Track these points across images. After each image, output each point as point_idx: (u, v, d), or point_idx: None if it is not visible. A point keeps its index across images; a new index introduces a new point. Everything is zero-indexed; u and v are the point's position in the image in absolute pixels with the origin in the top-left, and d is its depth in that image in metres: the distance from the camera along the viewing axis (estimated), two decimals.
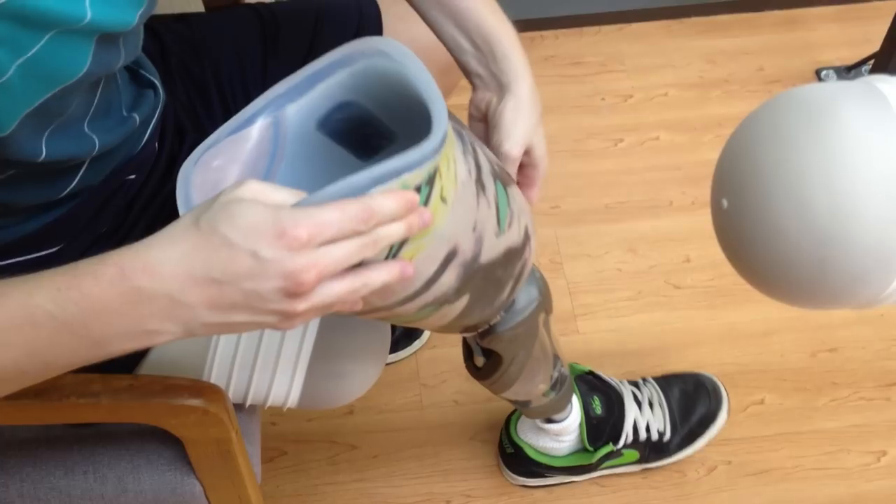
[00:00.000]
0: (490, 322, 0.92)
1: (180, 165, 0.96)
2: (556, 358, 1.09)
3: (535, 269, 0.94)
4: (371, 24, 1.08)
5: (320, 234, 0.57)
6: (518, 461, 1.33)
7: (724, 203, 0.70)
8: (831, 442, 1.40)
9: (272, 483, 1.36)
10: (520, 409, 1.19)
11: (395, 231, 0.60)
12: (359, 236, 0.59)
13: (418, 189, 0.62)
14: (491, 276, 0.78)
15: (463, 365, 1.46)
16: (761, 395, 1.45)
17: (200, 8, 1.20)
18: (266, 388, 0.91)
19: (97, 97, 0.82)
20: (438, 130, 0.62)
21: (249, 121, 0.70)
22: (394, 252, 0.63)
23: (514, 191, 0.79)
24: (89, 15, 0.66)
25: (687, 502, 1.35)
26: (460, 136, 0.68)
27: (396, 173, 0.60)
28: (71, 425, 0.92)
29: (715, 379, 1.38)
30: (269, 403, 0.93)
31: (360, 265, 0.61)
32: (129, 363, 0.89)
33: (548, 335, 1.01)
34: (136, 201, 0.93)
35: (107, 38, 0.74)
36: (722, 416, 1.36)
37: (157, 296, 0.58)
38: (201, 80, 1.04)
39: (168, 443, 0.91)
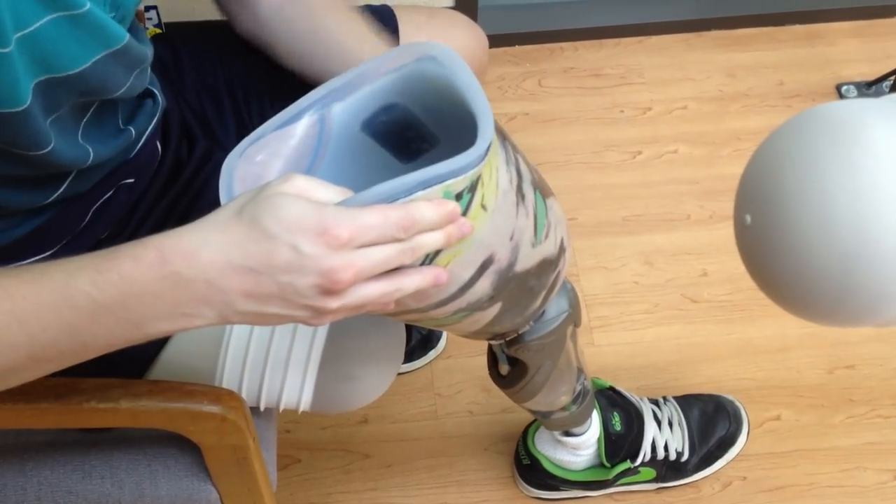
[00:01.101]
0: (519, 331, 0.92)
1: (188, 171, 0.98)
2: (580, 371, 1.08)
3: (567, 280, 0.94)
4: (387, 31, 1.08)
5: (361, 236, 0.58)
6: (534, 473, 1.33)
7: (748, 219, 0.70)
8: (847, 459, 1.39)
9: (286, 491, 1.36)
10: (540, 420, 1.19)
11: (433, 240, 0.61)
12: (398, 243, 0.60)
13: (460, 196, 0.62)
14: (524, 286, 0.78)
15: (478, 375, 1.47)
16: (778, 411, 1.44)
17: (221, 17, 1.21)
18: (278, 388, 0.91)
19: (92, 109, 0.83)
20: (484, 138, 0.62)
21: (296, 117, 0.70)
22: (431, 257, 0.64)
23: (553, 202, 0.80)
24: (88, 5, 0.68)
25: None
26: (503, 144, 0.68)
27: (441, 179, 0.61)
28: (89, 430, 0.92)
29: (736, 402, 1.38)
30: (282, 405, 0.93)
31: (395, 269, 0.62)
32: (141, 362, 0.89)
33: (574, 348, 1.01)
34: (138, 205, 0.94)
35: (116, 57, 0.75)
36: (741, 440, 1.35)
37: (195, 281, 0.59)
38: (214, 87, 1.05)
39: (185, 449, 0.91)
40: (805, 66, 1.87)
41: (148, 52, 0.84)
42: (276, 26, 0.96)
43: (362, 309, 0.63)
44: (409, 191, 0.60)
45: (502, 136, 0.68)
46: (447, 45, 0.68)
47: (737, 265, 1.67)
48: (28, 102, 0.69)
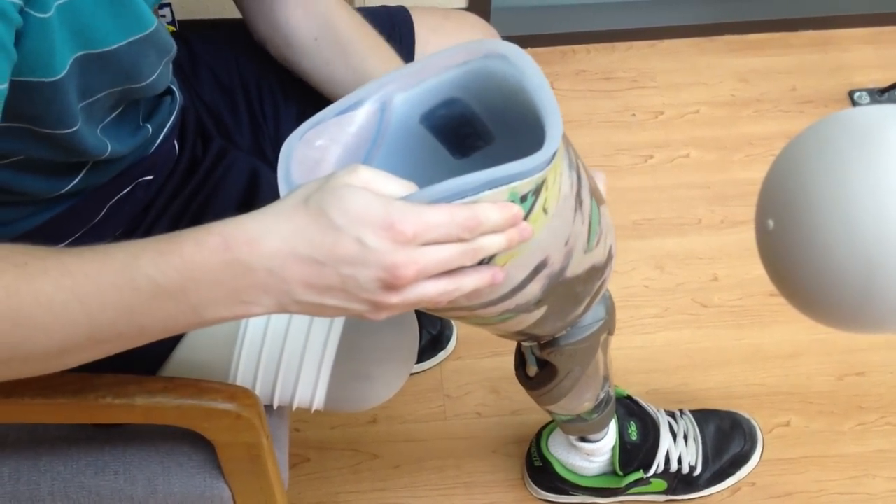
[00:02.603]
0: (556, 335, 0.92)
1: (202, 170, 0.98)
2: (606, 380, 1.09)
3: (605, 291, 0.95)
4: (404, 35, 1.08)
5: (426, 233, 0.58)
6: (544, 475, 1.33)
7: (770, 224, 0.70)
8: (856, 466, 1.39)
9: (294, 490, 1.36)
10: (558, 423, 1.19)
11: (495, 243, 0.61)
12: (461, 243, 0.60)
13: (525, 198, 0.62)
14: (571, 291, 0.78)
15: (487, 377, 1.47)
16: (787, 417, 1.44)
17: (235, 15, 1.21)
18: (292, 386, 0.91)
19: (119, 109, 0.83)
20: (553, 142, 0.62)
21: (357, 104, 0.70)
22: (489, 257, 0.64)
23: (605, 210, 0.80)
24: None
25: None
26: (567, 149, 0.68)
27: (508, 180, 0.60)
28: (103, 426, 0.92)
29: (752, 420, 1.38)
30: (295, 404, 0.93)
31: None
32: (156, 359, 0.89)
33: (604, 356, 1.01)
34: (153, 203, 0.94)
35: (148, 41, 0.76)
36: (755, 459, 1.35)
37: (256, 269, 0.59)
38: (229, 85, 1.05)
39: (198, 446, 0.91)
40: (818, 72, 1.87)
41: (173, 43, 0.85)
42: (309, 55, 0.97)
43: (419, 305, 0.63)
44: (476, 190, 0.60)
45: (566, 141, 0.68)
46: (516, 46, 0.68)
47: (747, 270, 1.67)
48: (63, 73, 0.70)
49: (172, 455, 0.91)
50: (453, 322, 1.51)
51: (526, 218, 0.63)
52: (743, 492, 1.36)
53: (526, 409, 1.44)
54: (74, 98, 0.75)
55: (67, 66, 0.70)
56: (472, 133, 0.73)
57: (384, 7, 1.11)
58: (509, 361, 1.48)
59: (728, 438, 1.35)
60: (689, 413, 1.35)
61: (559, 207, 0.66)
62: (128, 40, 0.75)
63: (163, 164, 0.95)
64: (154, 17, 0.77)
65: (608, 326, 0.96)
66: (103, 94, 0.79)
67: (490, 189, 0.60)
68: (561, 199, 0.67)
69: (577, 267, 0.75)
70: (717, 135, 1.78)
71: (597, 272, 0.81)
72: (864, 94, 1.82)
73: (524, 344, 1.00)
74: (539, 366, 1.00)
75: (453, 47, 0.70)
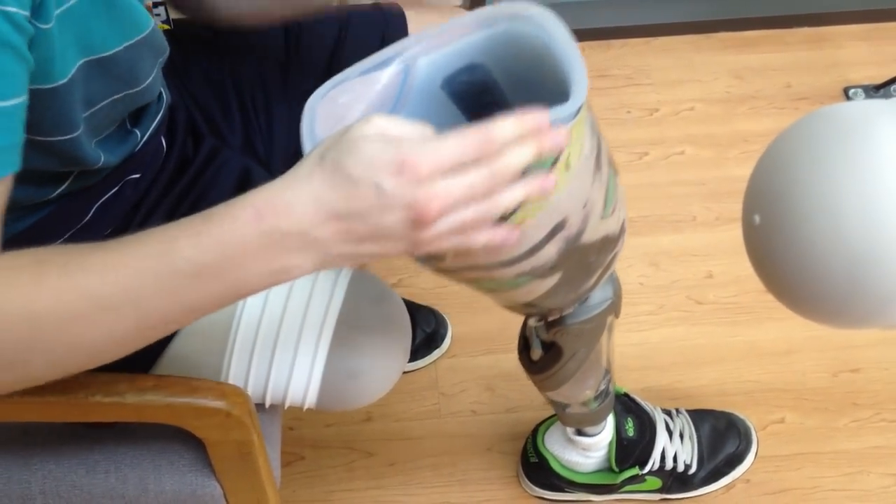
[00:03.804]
0: (563, 312, 0.92)
1: (193, 169, 0.98)
2: (608, 371, 1.09)
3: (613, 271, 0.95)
4: (397, 32, 1.08)
5: (441, 164, 0.58)
6: (540, 472, 1.33)
7: (756, 219, 0.70)
8: (851, 463, 1.39)
9: (289, 488, 1.36)
10: (558, 413, 1.19)
11: (521, 155, 0.60)
12: (482, 165, 0.59)
13: None
14: (585, 260, 0.79)
15: (482, 375, 1.47)
16: (782, 414, 1.44)
17: None
18: (284, 384, 0.91)
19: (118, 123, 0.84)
20: (580, 93, 0.63)
21: (383, 64, 0.71)
22: (509, 213, 0.64)
23: (619, 181, 0.80)
24: None
25: None
26: (588, 113, 0.69)
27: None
28: (94, 424, 0.92)
29: (747, 421, 1.38)
30: (288, 402, 0.93)
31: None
32: (148, 357, 0.89)
33: (608, 341, 1.02)
34: (143, 202, 0.94)
35: (144, 44, 0.76)
36: (749, 459, 1.36)
37: (291, 233, 0.60)
38: (221, 84, 1.05)
39: (190, 444, 0.91)
40: (813, 68, 1.87)
41: (166, 44, 0.85)
42: None
43: (457, 235, 0.62)
44: None
45: (588, 105, 0.69)
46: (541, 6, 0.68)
47: (742, 267, 1.66)
48: (65, 80, 0.70)
49: (164, 454, 0.91)
50: (447, 320, 1.51)
51: (551, 169, 0.64)
52: (737, 489, 1.36)
53: (521, 407, 1.44)
54: (78, 106, 0.75)
55: (72, 72, 0.71)
56: (490, 102, 0.74)
57: (378, 4, 1.11)
58: (504, 359, 1.50)
59: (723, 438, 1.35)
60: (685, 412, 1.36)
61: (580, 167, 0.67)
62: (126, 44, 0.75)
63: (150, 161, 0.95)
64: (150, 17, 0.77)
65: (615, 308, 0.97)
66: (106, 102, 0.79)
67: None
68: (582, 157, 0.67)
69: (592, 233, 0.76)
70: (712, 132, 1.78)
71: (610, 243, 0.81)
72: (860, 90, 1.81)
73: (530, 323, 1.01)
74: (544, 348, 1.00)
75: (479, 10, 0.70)
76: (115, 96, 0.80)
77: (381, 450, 1.41)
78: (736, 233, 1.63)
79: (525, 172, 0.63)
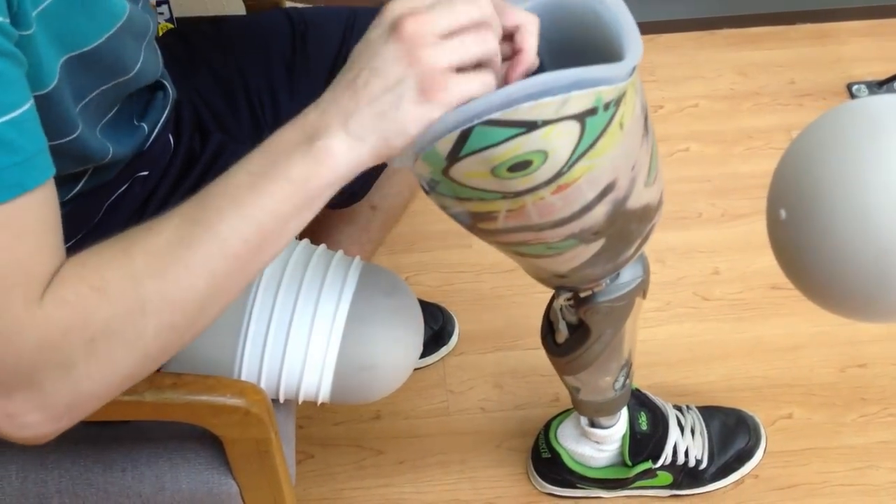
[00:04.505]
0: (597, 287, 0.93)
1: (200, 165, 0.98)
2: (628, 358, 1.10)
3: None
4: None
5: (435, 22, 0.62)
6: (552, 467, 1.33)
7: (783, 213, 0.70)
8: (859, 458, 1.39)
9: (299, 486, 1.36)
10: (575, 401, 1.19)
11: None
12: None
13: (608, 105, 0.64)
14: (626, 228, 0.80)
15: (490, 372, 1.47)
16: (790, 409, 1.44)
17: (234, 12, 1.21)
18: (297, 378, 0.91)
19: (115, 108, 0.83)
20: (635, 52, 0.64)
21: None
22: (570, 163, 0.66)
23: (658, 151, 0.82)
24: None
25: None
26: (637, 75, 0.69)
27: (595, 83, 0.62)
28: (111, 423, 0.92)
29: (756, 418, 1.39)
30: (301, 396, 0.93)
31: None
32: None
33: (633, 325, 1.03)
34: (151, 199, 0.94)
35: (125, 30, 0.76)
36: (758, 455, 1.36)
37: (314, 111, 0.65)
38: (228, 81, 1.05)
39: (206, 443, 0.91)
40: (816, 65, 1.87)
41: (151, 21, 0.85)
42: None
43: (460, 53, 0.63)
44: (565, 88, 0.62)
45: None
46: None
47: (748, 263, 1.67)
48: (55, 82, 0.70)
49: (180, 452, 0.91)
50: (454, 317, 1.51)
51: (605, 130, 0.65)
52: (746, 484, 1.37)
53: (529, 404, 1.44)
54: (70, 103, 0.75)
55: (57, 73, 0.70)
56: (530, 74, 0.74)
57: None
58: (512, 356, 1.50)
59: (733, 434, 1.35)
60: (695, 408, 1.36)
61: (632, 127, 0.68)
62: (105, 35, 0.75)
63: (159, 158, 0.95)
64: (124, 2, 0.77)
65: (644, 286, 0.98)
66: (96, 92, 0.79)
67: (578, 89, 0.62)
68: (634, 118, 0.68)
69: (636, 199, 0.77)
70: (717, 128, 1.78)
71: (650, 213, 0.82)
72: (863, 86, 1.82)
73: (557, 305, 1.01)
74: (570, 330, 1.01)
75: None
76: (105, 86, 0.80)
77: (390, 448, 1.41)
78: (742, 229, 1.66)
79: (581, 119, 0.64)
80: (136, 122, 0.90)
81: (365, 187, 1.13)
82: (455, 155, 0.66)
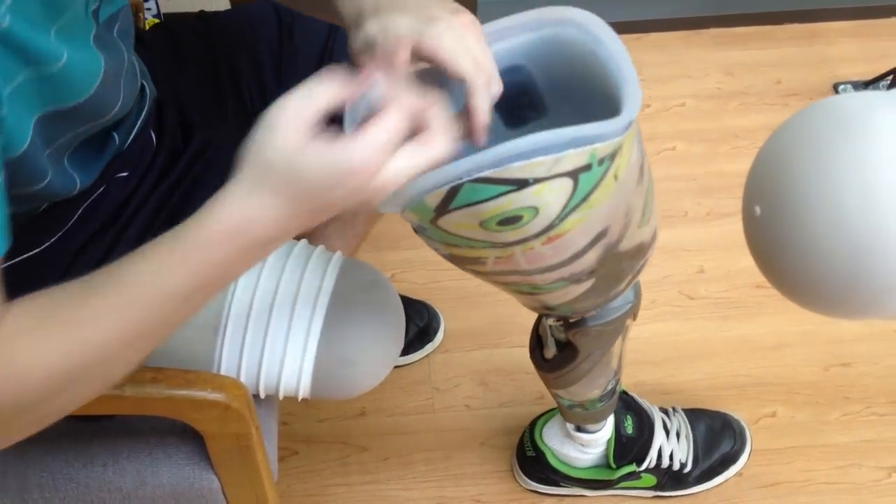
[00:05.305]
0: (588, 312, 0.93)
1: (183, 162, 0.97)
2: (617, 372, 1.10)
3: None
4: None
5: (379, 147, 0.61)
6: (536, 466, 1.33)
7: (757, 210, 0.70)
8: (843, 456, 1.40)
9: (283, 482, 1.36)
10: (561, 409, 1.19)
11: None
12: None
13: (602, 161, 0.63)
14: (618, 267, 0.80)
15: (475, 370, 1.47)
16: (773, 407, 1.45)
17: (222, 7, 1.21)
18: (276, 373, 0.91)
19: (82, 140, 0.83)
20: (633, 106, 0.63)
21: None
22: (562, 216, 0.65)
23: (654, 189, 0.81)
24: (64, 57, 0.69)
25: None
26: (635, 123, 0.69)
27: (591, 140, 0.62)
28: (92, 418, 0.92)
29: (742, 422, 1.39)
30: (282, 391, 0.93)
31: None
32: None
33: (622, 343, 1.03)
34: (132, 198, 0.93)
35: (104, 85, 0.77)
36: (743, 459, 1.36)
37: (266, 239, 0.64)
38: (215, 75, 1.04)
39: (187, 438, 0.91)
40: (803, 64, 1.88)
41: (124, 51, 0.84)
42: None
43: (400, 179, 0.63)
44: (561, 147, 0.61)
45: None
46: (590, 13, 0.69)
47: (733, 262, 1.67)
48: (27, 143, 0.70)
49: (161, 447, 0.91)
50: (440, 314, 1.51)
51: (598, 183, 0.64)
52: (730, 482, 1.37)
53: (514, 402, 1.44)
54: (41, 153, 0.74)
55: (30, 134, 0.70)
56: (527, 104, 0.74)
57: None
58: (497, 354, 1.50)
59: (718, 438, 1.36)
60: (681, 411, 1.36)
61: (626, 176, 0.68)
62: (85, 97, 0.75)
63: (139, 157, 0.94)
64: (98, 59, 0.76)
65: (634, 310, 0.98)
66: (69, 136, 0.79)
67: (574, 148, 0.62)
68: (630, 167, 0.68)
69: (629, 241, 0.77)
70: (703, 128, 1.78)
71: (642, 251, 0.82)
72: (849, 86, 1.83)
73: (546, 322, 1.01)
74: (559, 348, 1.01)
75: (526, 13, 0.70)
76: (80, 129, 0.80)
77: (374, 444, 1.41)
78: (727, 228, 1.66)
79: (574, 176, 0.63)
80: (102, 139, 0.89)
81: None
82: (444, 208, 0.66)
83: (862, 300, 0.67)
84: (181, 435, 0.91)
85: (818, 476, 1.38)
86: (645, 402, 1.32)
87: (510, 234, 0.68)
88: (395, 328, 0.96)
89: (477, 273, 0.77)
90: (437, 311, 1.51)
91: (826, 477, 1.38)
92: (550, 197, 0.64)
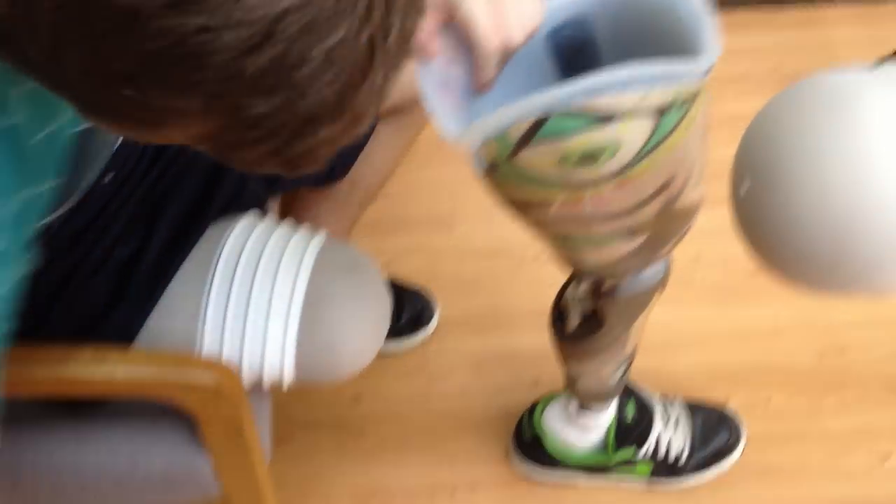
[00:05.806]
0: (621, 280, 0.94)
1: (165, 158, 0.96)
2: (632, 355, 1.11)
3: None
4: None
5: None
6: (533, 450, 1.33)
7: (743, 189, 0.70)
8: (837, 443, 1.40)
9: (279, 468, 1.35)
10: (570, 385, 1.19)
11: None
12: None
13: (683, 103, 0.65)
14: (667, 227, 0.81)
15: (470, 356, 1.47)
16: (768, 393, 1.45)
17: None
18: (259, 357, 0.90)
19: None
20: (714, 49, 0.65)
21: None
22: (639, 157, 0.66)
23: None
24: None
25: (691, 500, 1.35)
26: None
27: (678, 77, 0.63)
28: (84, 403, 0.92)
29: (738, 416, 1.39)
30: (266, 377, 0.92)
31: None
32: (125, 334, 0.88)
33: (645, 318, 1.04)
34: (114, 198, 0.92)
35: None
36: (737, 453, 1.37)
37: None
38: None
39: (180, 421, 0.91)
40: (802, 50, 1.87)
41: (104, 141, 0.84)
42: None
43: None
44: (651, 80, 0.63)
45: None
46: None
47: (730, 249, 1.65)
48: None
49: (153, 429, 0.92)
50: (435, 301, 1.51)
51: (676, 126, 0.66)
52: (724, 468, 1.37)
53: (509, 388, 1.44)
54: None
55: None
56: (585, 63, 0.74)
57: None
58: (493, 341, 1.50)
59: (714, 431, 1.36)
60: (680, 401, 1.37)
61: (698, 125, 0.68)
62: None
63: (126, 156, 0.92)
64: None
65: (662, 283, 0.99)
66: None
67: (662, 82, 0.63)
68: (699, 119, 0.70)
69: (684, 199, 0.78)
70: None
71: (689, 214, 0.84)
72: None
73: (571, 294, 1.01)
74: (583, 318, 1.01)
75: None
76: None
77: (370, 430, 1.41)
78: (723, 214, 1.63)
79: (656, 116, 0.64)
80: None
81: (345, 167, 1.13)
82: (526, 141, 0.66)
83: (847, 275, 0.67)
84: (173, 419, 0.91)
85: (813, 462, 1.38)
86: (646, 391, 1.32)
87: (585, 174, 0.68)
88: (379, 310, 0.96)
89: (536, 222, 0.77)
90: (433, 297, 1.51)
91: (821, 463, 1.38)
92: (631, 136, 0.65)
